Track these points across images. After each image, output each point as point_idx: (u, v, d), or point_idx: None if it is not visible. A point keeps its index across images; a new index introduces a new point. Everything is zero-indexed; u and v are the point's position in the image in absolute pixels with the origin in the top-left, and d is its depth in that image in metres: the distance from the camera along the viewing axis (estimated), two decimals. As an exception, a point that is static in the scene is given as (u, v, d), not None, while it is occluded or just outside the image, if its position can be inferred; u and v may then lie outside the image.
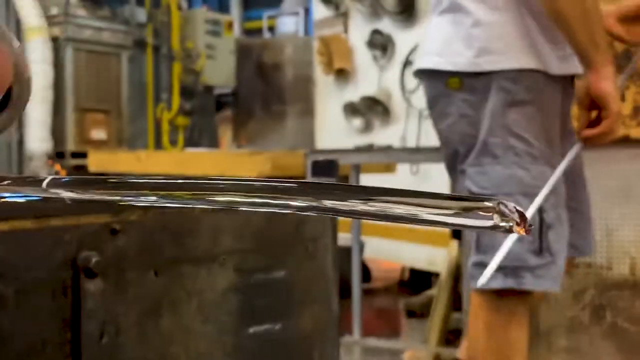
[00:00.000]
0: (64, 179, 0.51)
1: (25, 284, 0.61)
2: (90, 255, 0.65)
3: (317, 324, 0.90)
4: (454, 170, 1.89)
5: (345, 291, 2.96)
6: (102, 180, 0.48)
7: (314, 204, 0.38)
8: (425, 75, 1.83)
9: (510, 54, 1.68)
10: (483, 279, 1.58)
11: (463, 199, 0.31)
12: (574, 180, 1.88)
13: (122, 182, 0.47)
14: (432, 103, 1.83)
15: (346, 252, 3.13)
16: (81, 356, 0.66)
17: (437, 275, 3.98)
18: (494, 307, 1.71)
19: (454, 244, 3.61)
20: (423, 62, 1.82)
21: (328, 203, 0.38)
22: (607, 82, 1.64)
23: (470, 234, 2.82)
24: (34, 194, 0.51)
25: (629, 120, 2.76)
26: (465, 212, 0.30)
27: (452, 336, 3.32)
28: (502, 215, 0.30)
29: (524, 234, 0.31)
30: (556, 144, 1.74)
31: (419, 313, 4.22)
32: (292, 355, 0.86)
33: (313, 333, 0.89)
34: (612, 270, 2.83)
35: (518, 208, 0.30)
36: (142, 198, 0.48)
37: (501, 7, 1.69)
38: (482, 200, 0.30)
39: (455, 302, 3.38)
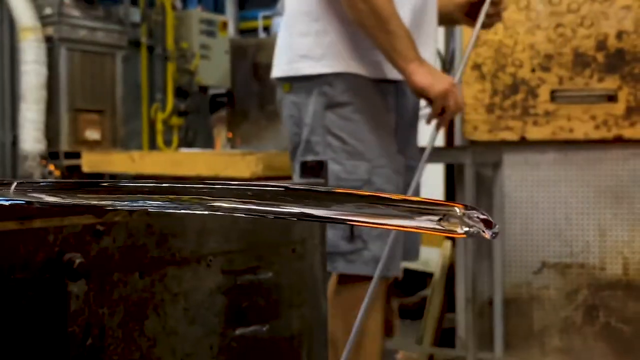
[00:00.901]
0: (34, 183, 0.51)
1: (8, 286, 0.61)
2: (74, 256, 0.65)
3: (305, 324, 0.89)
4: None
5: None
6: (76, 184, 0.48)
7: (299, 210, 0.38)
8: (275, 81, 2.05)
9: (327, 60, 1.86)
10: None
11: (431, 205, 0.31)
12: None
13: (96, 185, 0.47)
14: (279, 106, 2.03)
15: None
16: (65, 358, 0.65)
17: (430, 275, 3.98)
18: (336, 292, 1.89)
19: (448, 244, 3.61)
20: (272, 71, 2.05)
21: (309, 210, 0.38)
22: (417, 77, 1.80)
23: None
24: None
25: (622, 120, 2.77)
26: (433, 217, 0.30)
27: (445, 336, 3.32)
28: (468, 221, 0.30)
29: (491, 239, 0.31)
30: (386, 137, 1.91)
31: (413, 313, 4.21)
32: (279, 356, 0.86)
33: (301, 334, 0.89)
34: (605, 271, 2.84)
35: (482, 216, 0.30)
36: (134, 203, 0.48)
37: (322, 18, 1.87)
38: (450, 206, 0.30)
39: (449, 302, 3.38)
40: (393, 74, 1.89)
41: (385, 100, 1.94)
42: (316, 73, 1.87)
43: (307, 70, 1.88)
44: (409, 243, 2.06)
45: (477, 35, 2.02)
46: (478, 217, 0.30)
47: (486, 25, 2.07)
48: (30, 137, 6.84)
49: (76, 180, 0.48)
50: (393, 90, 1.95)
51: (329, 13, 1.87)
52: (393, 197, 0.32)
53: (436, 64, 2.04)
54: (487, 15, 1.99)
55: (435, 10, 2.04)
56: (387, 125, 1.93)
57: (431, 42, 2.03)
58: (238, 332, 0.80)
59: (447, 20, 2.16)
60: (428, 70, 1.83)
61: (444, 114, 1.85)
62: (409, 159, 2.04)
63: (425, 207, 0.31)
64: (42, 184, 0.48)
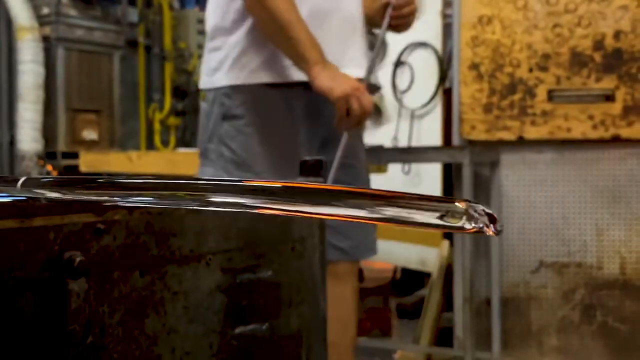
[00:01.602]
0: (41, 179, 0.51)
1: (8, 284, 0.61)
2: (74, 255, 0.65)
3: (304, 323, 0.90)
4: None
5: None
6: (80, 180, 0.48)
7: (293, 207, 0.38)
8: None
9: (232, 72, 1.95)
10: None
11: (436, 201, 0.31)
12: (349, 172, 2.02)
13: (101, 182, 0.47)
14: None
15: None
16: (66, 356, 0.65)
17: (428, 275, 3.99)
18: None
19: (445, 244, 3.61)
20: None
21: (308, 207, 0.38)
22: (319, 80, 1.85)
23: (464, 234, 2.82)
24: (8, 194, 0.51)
25: (619, 120, 2.77)
26: (437, 213, 0.30)
27: (443, 336, 3.33)
28: (472, 217, 0.30)
29: (494, 235, 0.31)
30: (281, 149, 1.96)
31: (411, 313, 4.22)
32: (279, 355, 0.86)
33: (300, 332, 0.89)
34: (603, 270, 2.84)
35: (487, 210, 0.30)
36: (135, 198, 0.48)
37: (234, 32, 1.96)
38: (454, 202, 0.30)
39: (447, 302, 3.38)
40: (300, 75, 1.94)
41: (293, 109, 1.98)
42: (219, 85, 1.97)
43: (214, 82, 1.99)
44: (344, 241, 2.04)
45: (381, 41, 2.06)
46: (483, 212, 0.30)
47: (396, 30, 2.13)
48: (28, 137, 6.83)
49: (81, 176, 0.48)
50: (301, 95, 1.98)
51: (241, 26, 1.95)
52: (396, 194, 0.32)
53: (360, 64, 2.05)
54: (394, 21, 2.03)
55: (353, 11, 2.06)
56: (289, 137, 1.98)
57: (347, 42, 2.04)
58: (237, 330, 0.80)
59: (374, 24, 2.19)
60: (330, 74, 1.87)
61: (349, 117, 1.88)
62: (349, 158, 2.05)
63: (428, 204, 0.31)
64: (47, 180, 0.48)
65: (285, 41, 1.87)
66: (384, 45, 2.10)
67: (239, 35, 1.96)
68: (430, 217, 0.31)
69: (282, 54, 1.91)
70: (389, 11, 2.01)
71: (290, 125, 1.99)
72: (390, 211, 0.33)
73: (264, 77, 1.95)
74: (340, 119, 1.90)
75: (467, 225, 0.31)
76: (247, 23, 1.94)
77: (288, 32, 1.85)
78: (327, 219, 0.36)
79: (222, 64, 1.97)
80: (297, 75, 1.93)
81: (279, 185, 0.41)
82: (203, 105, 2.06)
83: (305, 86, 1.93)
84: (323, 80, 1.85)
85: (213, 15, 2.03)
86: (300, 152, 1.94)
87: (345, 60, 1.98)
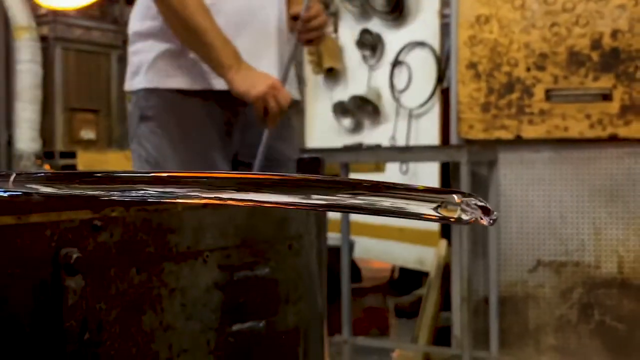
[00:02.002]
0: (33, 174, 0.51)
1: (4, 281, 0.61)
2: (71, 251, 0.65)
3: (301, 321, 0.90)
4: None
5: (335, 291, 2.96)
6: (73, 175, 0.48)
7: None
8: None
9: (148, 75, 2.00)
10: None
11: (431, 192, 0.31)
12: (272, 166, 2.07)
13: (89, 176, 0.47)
14: None
15: (336, 252, 3.13)
16: (63, 352, 0.65)
17: (426, 274, 3.99)
18: None
19: (443, 243, 3.61)
20: None
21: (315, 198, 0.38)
22: (234, 84, 1.90)
23: (461, 233, 2.83)
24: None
25: (617, 119, 2.78)
26: (431, 204, 0.31)
27: (441, 335, 3.33)
28: (466, 208, 0.30)
29: (489, 225, 0.31)
30: (193, 151, 2.02)
31: (409, 312, 4.22)
32: (276, 352, 0.86)
33: (298, 330, 0.89)
34: (600, 269, 2.84)
35: (480, 203, 0.30)
36: (132, 192, 0.48)
37: (151, 37, 2.00)
38: (450, 193, 0.30)
39: (445, 301, 3.38)
40: (220, 84, 1.97)
41: (212, 114, 2.02)
42: (137, 88, 2.02)
43: (133, 85, 2.04)
44: None
45: (293, 55, 2.06)
46: (476, 204, 0.30)
47: (309, 44, 2.15)
48: (26, 137, 6.82)
49: (76, 172, 0.48)
50: (224, 98, 2.01)
51: (158, 31, 2.00)
52: (390, 185, 0.32)
53: (275, 64, 2.07)
54: (304, 35, 2.04)
55: (271, 23, 2.08)
56: (202, 140, 2.03)
57: (260, 53, 2.06)
58: (235, 327, 0.80)
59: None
60: (244, 76, 1.91)
61: (267, 116, 1.92)
62: (275, 154, 2.10)
63: (423, 195, 0.31)
64: (40, 175, 0.48)
65: (200, 47, 1.92)
66: (295, 59, 2.12)
67: (155, 40, 2.01)
68: (426, 208, 0.31)
69: (200, 58, 1.96)
70: (298, 25, 2.03)
71: (204, 130, 2.04)
72: (387, 202, 0.33)
73: (179, 83, 2.00)
74: (259, 119, 1.94)
75: (464, 217, 0.31)
76: (164, 29, 1.99)
77: (202, 38, 1.90)
78: (321, 210, 0.36)
79: (140, 67, 2.03)
80: (219, 84, 1.97)
81: (276, 177, 0.41)
82: (128, 107, 2.14)
83: (229, 92, 1.98)
84: (238, 84, 1.90)
85: (134, 20, 2.09)
86: (214, 156, 2.01)
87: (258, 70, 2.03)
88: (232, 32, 1.97)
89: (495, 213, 0.31)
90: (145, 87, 2.01)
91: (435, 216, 0.31)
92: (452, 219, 0.31)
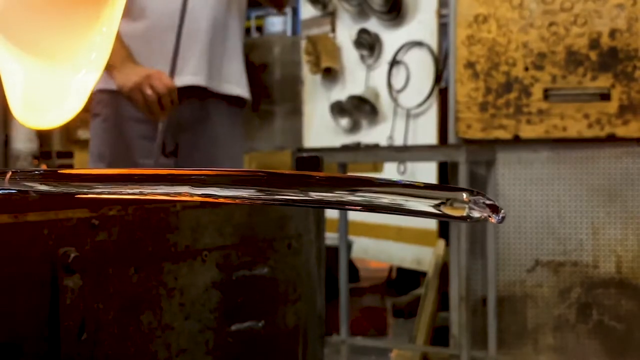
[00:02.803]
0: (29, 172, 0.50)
1: (2, 280, 0.61)
2: (69, 250, 0.64)
3: (300, 320, 0.89)
4: None
5: (333, 290, 2.96)
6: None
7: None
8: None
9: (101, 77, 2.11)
10: None
11: (440, 189, 0.30)
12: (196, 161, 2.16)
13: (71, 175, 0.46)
14: None
15: (334, 251, 3.12)
16: (60, 352, 0.65)
17: (424, 274, 3.99)
18: None
19: (441, 243, 3.61)
20: None
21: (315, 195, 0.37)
22: (115, 81, 2.01)
23: (459, 233, 2.82)
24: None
25: (615, 119, 2.77)
26: (440, 202, 0.30)
27: (439, 335, 3.32)
28: (475, 206, 0.30)
29: (497, 223, 0.31)
30: (130, 144, 2.15)
31: (406, 312, 4.22)
32: (275, 352, 0.86)
33: (296, 330, 0.89)
34: (599, 269, 2.84)
35: (488, 201, 0.30)
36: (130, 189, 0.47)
37: None
38: (458, 191, 0.30)
39: (443, 301, 3.38)
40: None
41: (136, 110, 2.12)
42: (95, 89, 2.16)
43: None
44: None
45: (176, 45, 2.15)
46: (484, 203, 0.30)
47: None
48: (23, 137, 6.81)
49: (73, 170, 0.47)
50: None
51: None
52: (394, 182, 0.32)
53: (197, 71, 2.15)
54: None
55: (200, 25, 2.13)
56: (133, 133, 2.15)
57: (185, 54, 2.11)
58: (234, 327, 0.79)
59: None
60: (124, 73, 2.00)
61: (148, 105, 1.98)
62: (209, 145, 2.20)
63: (429, 192, 0.31)
64: (37, 172, 0.47)
65: None
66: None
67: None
68: (429, 206, 0.31)
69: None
70: None
71: (134, 125, 2.14)
72: (386, 199, 0.32)
73: (106, 84, 2.10)
74: (143, 110, 2.00)
75: (475, 214, 0.30)
76: None
77: None
78: (319, 207, 0.35)
79: None
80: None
81: (262, 173, 0.40)
82: None
83: None
84: (118, 80, 1.99)
85: None
86: (140, 148, 2.12)
87: (182, 67, 2.09)
88: (153, 36, 2.08)
89: (503, 211, 0.31)
90: (97, 88, 2.07)
91: (442, 214, 0.31)
92: (467, 218, 0.31)
